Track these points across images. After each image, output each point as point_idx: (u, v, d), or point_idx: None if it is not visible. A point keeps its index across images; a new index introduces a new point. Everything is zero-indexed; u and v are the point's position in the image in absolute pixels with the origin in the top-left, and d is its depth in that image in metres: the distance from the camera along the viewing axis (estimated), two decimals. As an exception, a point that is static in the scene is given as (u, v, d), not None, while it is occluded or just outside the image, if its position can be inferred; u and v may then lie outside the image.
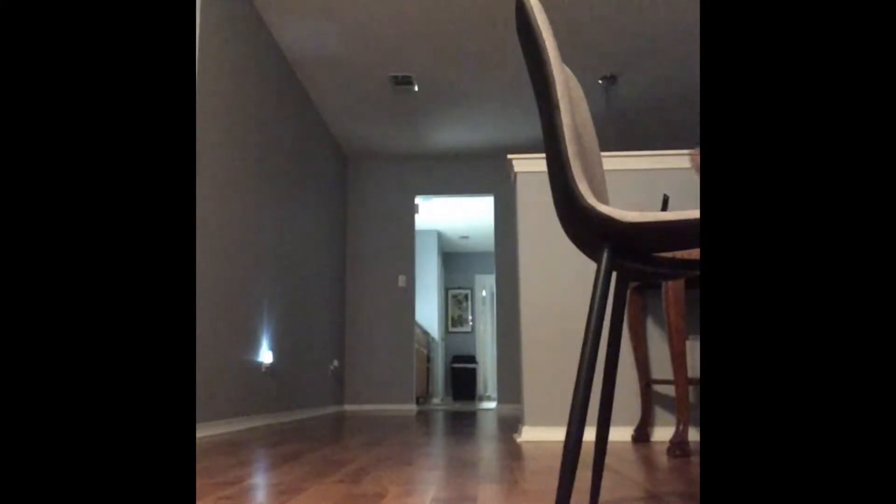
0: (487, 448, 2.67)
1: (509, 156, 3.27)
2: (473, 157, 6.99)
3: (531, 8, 1.10)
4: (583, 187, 1.04)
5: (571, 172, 1.04)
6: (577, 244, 1.26)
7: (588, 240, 1.11)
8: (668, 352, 3.06)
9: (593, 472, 1.34)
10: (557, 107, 1.06)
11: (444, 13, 4.42)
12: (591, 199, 1.03)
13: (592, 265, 3.03)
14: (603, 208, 1.03)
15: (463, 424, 4.35)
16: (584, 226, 1.07)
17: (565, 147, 1.05)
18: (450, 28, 4.57)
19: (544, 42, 1.08)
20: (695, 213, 1.03)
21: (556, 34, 4.70)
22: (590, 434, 2.98)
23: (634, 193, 3.08)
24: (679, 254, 1.10)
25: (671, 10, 4.38)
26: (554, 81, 1.07)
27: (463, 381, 11.07)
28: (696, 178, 3.01)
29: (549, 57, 1.07)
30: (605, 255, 1.03)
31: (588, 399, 0.98)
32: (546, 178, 3.18)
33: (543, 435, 2.99)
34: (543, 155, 3.22)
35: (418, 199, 7.28)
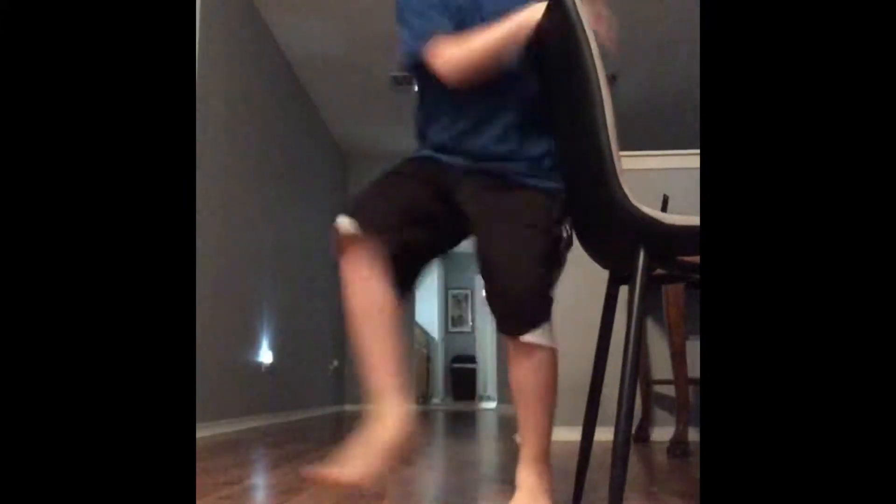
0: (487, 448, 2.67)
1: (509, 156, 3.26)
2: (473, 157, 6.98)
3: (572, 5, 1.07)
4: (626, 189, 1.03)
5: (616, 174, 1.03)
6: (595, 250, 1.23)
7: (616, 244, 1.09)
8: (668, 352, 3.05)
9: (577, 474, 1.34)
10: (601, 104, 1.04)
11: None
12: (635, 202, 1.03)
13: (592, 264, 3.03)
14: (647, 210, 1.02)
15: (463, 425, 4.34)
16: (619, 226, 1.06)
17: (609, 147, 1.03)
18: (450, 28, 4.57)
19: (587, 37, 1.06)
20: None
21: (556, 34, 4.70)
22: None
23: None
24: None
25: (671, 10, 4.38)
26: (597, 77, 1.05)
27: (463, 381, 11.05)
28: None
29: (592, 52, 1.06)
30: (642, 255, 1.02)
31: (633, 400, 0.98)
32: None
33: (543, 435, 2.98)
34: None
35: (418, 199, 7.26)
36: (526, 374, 1.26)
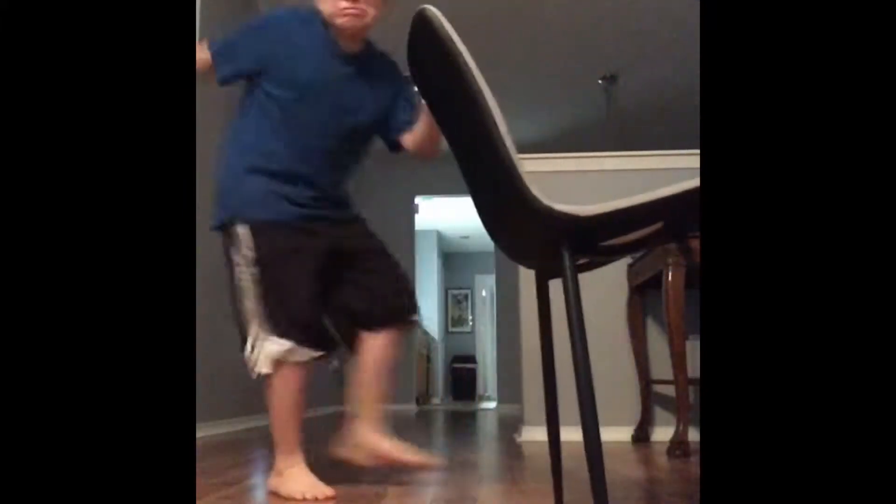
0: (487, 448, 2.67)
1: (509, 156, 3.26)
2: (473, 157, 6.98)
3: (438, 19, 1.07)
4: (535, 189, 1.03)
5: (521, 177, 1.03)
6: (515, 253, 1.24)
7: (540, 243, 1.10)
8: (668, 352, 3.06)
9: (553, 476, 1.33)
10: (490, 114, 1.03)
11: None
12: (546, 200, 1.02)
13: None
14: (562, 206, 1.02)
15: (463, 424, 4.35)
16: (537, 229, 1.06)
17: (508, 153, 1.03)
18: (450, 28, 4.57)
19: (461, 52, 1.05)
20: (646, 196, 1.04)
21: (556, 34, 4.70)
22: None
23: (634, 194, 3.09)
24: (628, 237, 1.13)
25: (671, 10, 4.38)
26: (481, 89, 1.04)
27: (463, 381, 11.05)
28: None
29: (471, 65, 1.05)
30: (566, 255, 1.03)
31: (593, 397, 0.98)
32: (547, 179, 3.18)
33: (543, 435, 2.99)
34: (543, 155, 3.21)
35: (418, 199, 7.27)
36: (396, 353, 1.68)
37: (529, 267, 1.29)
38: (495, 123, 1.03)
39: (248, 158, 1.61)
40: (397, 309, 1.65)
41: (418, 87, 1.34)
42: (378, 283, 1.65)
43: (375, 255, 1.69)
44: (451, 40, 1.06)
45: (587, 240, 1.07)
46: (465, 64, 1.04)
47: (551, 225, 1.03)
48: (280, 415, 1.55)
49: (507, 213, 1.11)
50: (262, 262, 1.53)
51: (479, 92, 1.04)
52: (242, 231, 1.56)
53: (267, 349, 1.49)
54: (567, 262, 1.03)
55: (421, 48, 1.16)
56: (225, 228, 1.61)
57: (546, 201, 1.02)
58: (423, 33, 1.11)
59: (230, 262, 1.57)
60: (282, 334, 1.48)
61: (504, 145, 1.03)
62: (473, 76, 1.04)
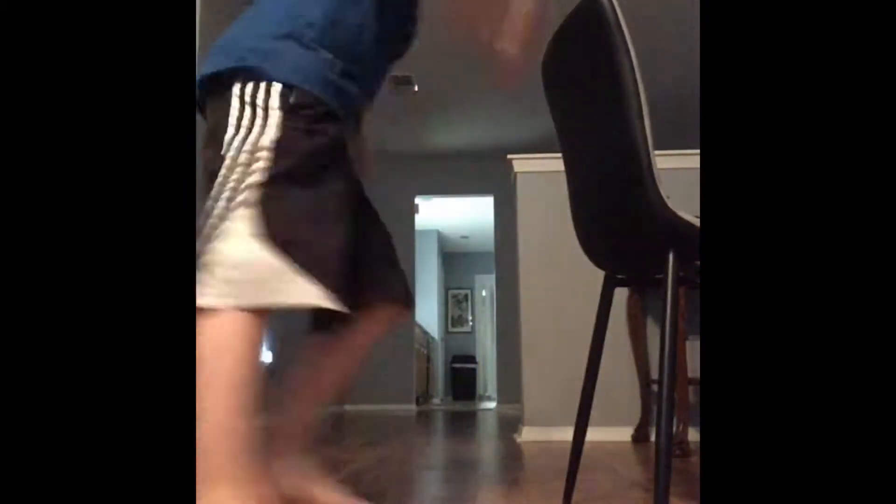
0: (487, 448, 2.67)
1: (509, 156, 3.27)
2: (473, 157, 6.99)
3: (608, 5, 1.07)
4: (664, 194, 1.04)
5: (655, 181, 1.04)
6: (607, 255, 1.24)
7: (646, 247, 1.10)
8: (668, 352, 3.06)
9: (568, 473, 1.33)
10: (640, 115, 1.05)
11: (444, 13, 4.42)
12: (671, 205, 1.04)
13: (591, 264, 3.02)
14: (685, 215, 1.04)
15: (463, 424, 4.35)
16: (644, 231, 1.06)
17: (648, 155, 1.04)
18: (449, 28, 4.57)
19: (627, 43, 1.05)
20: None
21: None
22: (591, 435, 2.98)
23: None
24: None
25: (671, 10, 4.38)
26: (639, 86, 1.06)
27: (463, 381, 11.05)
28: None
29: (633, 58, 1.06)
30: (671, 262, 1.04)
31: (673, 401, 0.99)
32: (547, 179, 3.18)
33: (543, 435, 2.99)
34: (543, 155, 3.22)
35: (418, 199, 7.27)
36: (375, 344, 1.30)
37: (611, 271, 1.30)
38: (641, 117, 1.05)
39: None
40: (408, 290, 1.25)
41: (555, 73, 1.25)
42: (393, 254, 1.27)
43: (379, 221, 1.33)
44: (620, 28, 1.05)
45: (689, 255, 1.08)
46: (628, 53, 1.05)
47: (666, 228, 1.04)
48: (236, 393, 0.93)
49: (621, 208, 1.11)
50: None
51: (635, 83, 1.05)
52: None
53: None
54: (671, 267, 1.04)
55: (580, 30, 1.14)
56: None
57: (671, 206, 1.03)
58: (589, 13, 1.10)
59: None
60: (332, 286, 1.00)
61: (645, 140, 1.04)
62: (633, 67, 1.05)
